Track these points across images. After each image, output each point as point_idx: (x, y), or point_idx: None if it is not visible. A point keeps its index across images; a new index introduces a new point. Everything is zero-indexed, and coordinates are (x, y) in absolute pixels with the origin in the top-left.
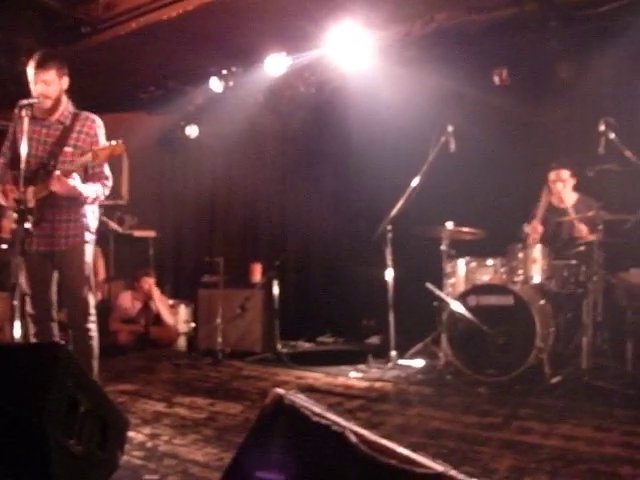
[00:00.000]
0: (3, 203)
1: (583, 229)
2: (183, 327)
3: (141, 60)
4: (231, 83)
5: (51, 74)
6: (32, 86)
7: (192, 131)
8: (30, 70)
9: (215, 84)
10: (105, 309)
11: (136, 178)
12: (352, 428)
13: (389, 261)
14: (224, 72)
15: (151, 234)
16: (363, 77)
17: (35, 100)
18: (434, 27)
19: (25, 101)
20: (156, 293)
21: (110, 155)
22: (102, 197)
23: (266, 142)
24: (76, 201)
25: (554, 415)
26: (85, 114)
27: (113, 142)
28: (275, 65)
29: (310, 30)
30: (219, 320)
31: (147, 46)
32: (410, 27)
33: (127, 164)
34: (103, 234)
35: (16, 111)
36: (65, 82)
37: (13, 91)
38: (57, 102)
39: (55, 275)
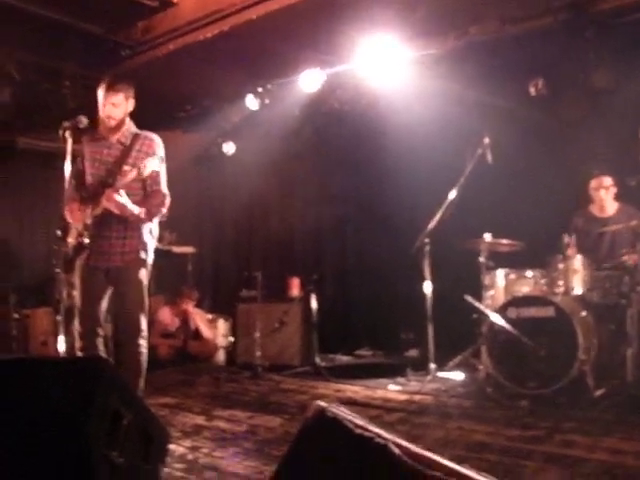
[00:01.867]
0: (70, 221)
1: (636, 258)
2: (222, 341)
3: (178, 80)
4: (267, 100)
5: (120, 97)
6: (100, 107)
7: (229, 148)
8: (100, 92)
9: (251, 102)
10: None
11: (174, 195)
12: (395, 440)
13: (427, 274)
14: (259, 89)
15: (190, 250)
16: (398, 91)
17: (80, 121)
18: (468, 40)
19: (67, 123)
20: (195, 313)
21: (151, 169)
22: (158, 215)
23: (302, 158)
24: (130, 219)
25: (599, 428)
26: (145, 133)
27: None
28: (310, 81)
29: (344, 45)
30: (257, 334)
31: (184, 66)
32: (444, 40)
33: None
34: None
35: (60, 133)
36: (131, 104)
37: (57, 114)
38: (121, 123)
39: (108, 291)
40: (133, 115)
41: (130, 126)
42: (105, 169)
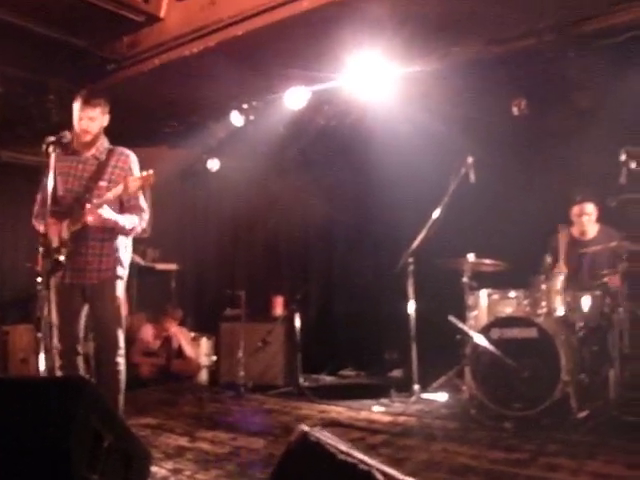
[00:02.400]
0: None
1: (617, 280)
2: (205, 360)
3: (163, 95)
4: (252, 117)
5: (97, 111)
6: (76, 121)
7: (214, 164)
8: (76, 106)
9: (236, 118)
10: (127, 342)
11: (158, 211)
12: (379, 467)
13: (411, 293)
14: (245, 106)
15: (173, 267)
16: (383, 109)
17: (64, 136)
18: (452, 59)
19: (52, 137)
20: (178, 331)
21: (142, 186)
22: (139, 229)
23: (287, 175)
24: (111, 234)
25: (583, 451)
26: (120, 149)
27: (144, 173)
28: (295, 98)
29: (329, 62)
30: (241, 353)
31: (169, 81)
32: (428, 59)
33: (149, 197)
34: None
35: (44, 147)
36: (106, 119)
37: (41, 128)
38: (96, 138)
39: (85, 309)
40: (118, 130)
41: (104, 141)
42: (80, 184)
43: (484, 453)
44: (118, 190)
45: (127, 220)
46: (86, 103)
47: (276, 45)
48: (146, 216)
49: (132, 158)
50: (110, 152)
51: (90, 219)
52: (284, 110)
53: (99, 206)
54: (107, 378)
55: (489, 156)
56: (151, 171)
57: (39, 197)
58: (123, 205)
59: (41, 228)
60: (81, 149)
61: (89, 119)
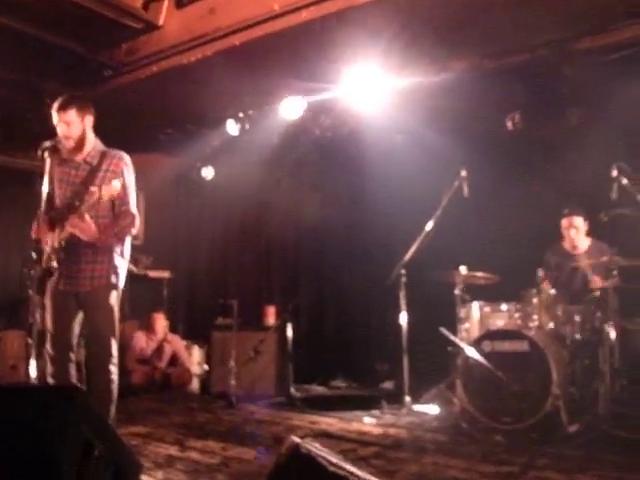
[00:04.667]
0: (41, 244)
1: (597, 280)
2: (196, 369)
3: (160, 102)
4: (247, 126)
5: (71, 115)
6: (57, 128)
7: (208, 173)
8: (53, 113)
9: (231, 127)
10: (120, 349)
11: (152, 218)
12: (369, 479)
13: (403, 305)
14: (240, 115)
15: (166, 275)
16: (378, 120)
17: (56, 142)
18: (447, 72)
19: (47, 143)
20: (173, 339)
21: (110, 195)
22: (128, 236)
23: (281, 185)
24: (98, 243)
25: (573, 465)
26: (113, 152)
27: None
28: (291, 108)
29: (326, 73)
30: (232, 363)
31: (166, 89)
32: (424, 72)
33: (143, 204)
34: None
35: (39, 153)
36: (89, 121)
37: (39, 133)
38: (81, 142)
39: (79, 316)
40: (113, 136)
41: (97, 144)
42: (71, 190)
43: (475, 466)
44: (94, 198)
45: (108, 233)
46: (60, 109)
47: (274, 55)
48: (137, 221)
49: (125, 160)
50: (103, 155)
51: (72, 229)
52: (280, 120)
53: (81, 216)
54: (99, 387)
55: (482, 169)
56: (119, 183)
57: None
58: (114, 211)
59: (33, 234)
60: (70, 155)
61: (65, 124)
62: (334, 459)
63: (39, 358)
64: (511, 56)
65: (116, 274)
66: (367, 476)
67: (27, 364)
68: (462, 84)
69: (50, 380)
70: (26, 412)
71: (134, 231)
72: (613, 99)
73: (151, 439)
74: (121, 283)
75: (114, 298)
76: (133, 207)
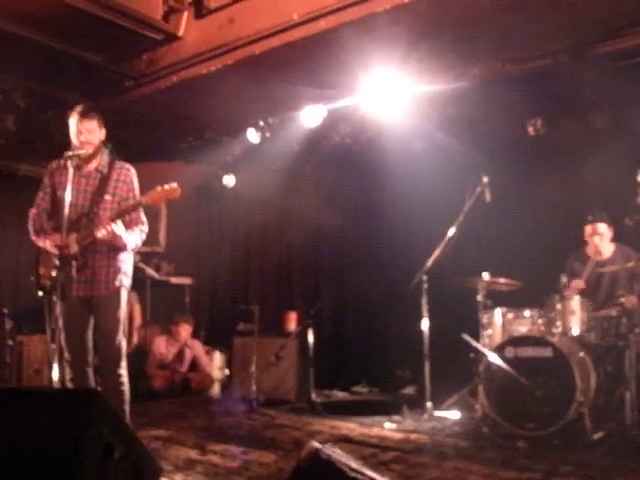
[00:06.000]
0: (53, 251)
1: (632, 299)
2: (217, 374)
3: (180, 112)
4: (268, 134)
5: (94, 123)
6: (73, 136)
7: (229, 180)
8: (73, 120)
9: (252, 135)
10: (141, 354)
11: (173, 226)
12: None
13: (425, 311)
14: (261, 123)
15: (187, 281)
16: (398, 127)
17: (81, 151)
18: (468, 78)
19: (71, 152)
20: (194, 343)
21: (164, 198)
22: (140, 243)
23: (301, 192)
24: (116, 247)
25: (596, 473)
26: (120, 163)
27: (166, 186)
28: (311, 116)
29: (346, 81)
30: (253, 368)
31: (187, 98)
32: (444, 78)
33: (165, 212)
34: (140, 280)
35: (62, 162)
36: (103, 133)
37: (59, 142)
38: (97, 151)
39: (92, 320)
40: (135, 145)
41: (105, 155)
42: (85, 198)
43: (496, 472)
44: (138, 202)
45: (132, 239)
46: (83, 116)
47: (293, 63)
48: (146, 229)
49: (132, 171)
50: (111, 165)
51: (102, 233)
52: (300, 127)
53: (112, 220)
54: (110, 389)
55: (505, 175)
56: (175, 184)
57: (34, 212)
58: (125, 218)
59: (47, 242)
60: (83, 163)
61: (88, 131)
62: (354, 465)
63: (61, 363)
64: (532, 61)
65: (127, 276)
66: None
67: (50, 369)
68: (482, 90)
69: (70, 384)
70: (46, 415)
71: (144, 237)
72: (636, 103)
73: (172, 442)
74: (130, 285)
75: (124, 300)
76: (142, 215)
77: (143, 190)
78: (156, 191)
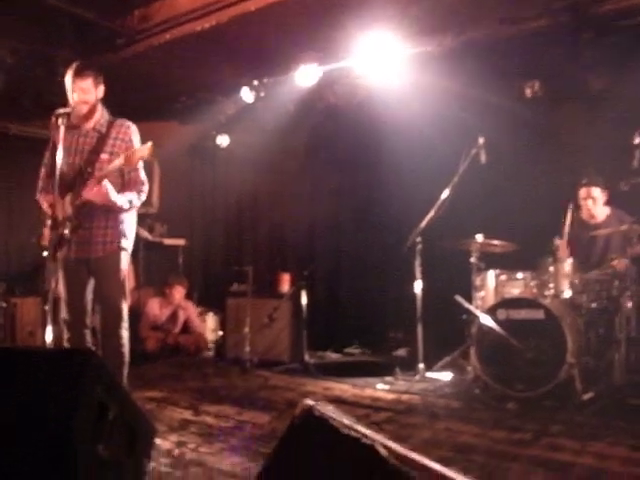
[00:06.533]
0: (48, 212)
1: (625, 263)
2: (211, 335)
3: (174, 70)
4: (262, 94)
5: (88, 82)
6: (69, 94)
7: (223, 140)
8: (68, 79)
9: (246, 94)
10: (134, 316)
11: (167, 187)
12: (382, 441)
13: (418, 273)
14: (255, 83)
15: (181, 242)
16: (394, 88)
17: (70, 109)
18: (465, 39)
19: (61, 110)
20: (187, 305)
21: (141, 158)
22: (138, 203)
23: (296, 152)
24: (110, 208)
25: (586, 432)
26: (120, 121)
27: (144, 145)
28: (306, 76)
29: (341, 41)
30: (247, 329)
31: (180, 57)
32: (441, 39)
33: (158, 172)
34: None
35: (53, 120)
36: (101, 91)
37: (50, 101)
38: (93, 110)
39: (91, 282)
40: (127, 104)
41: (104, 113)
42: (81, 158)
43: (487, 432)
44: (118, 163)
45: (125, 199)
46: (77, 75)
47: (287, 22)
48: (145, 188)
49: (132, 129)
50: (111, 124)
51: (90, 195)
52: (294, 88)
53: (100, 180)
54: (111, 350)
55: (500, 137)
56: (150, 143)
57: (43, 171)
58: (123, 177)
59: (45, 203)
60: (80, 122)
61: (81, 90)
62: (347, 421)
63: (55, 324)
64: (531, 21)
65: (126, 238)
66: (380, 437)
67: (43, 330)
68: (480, 51)
69: (66, 345)
70: (40, 374)
71: (143, 197)
72: (636, 64)
73: (166, 404)
74: (130, 246)
75: (125, 262)
76: (142, 174)
77: None
78: (132, 151)
